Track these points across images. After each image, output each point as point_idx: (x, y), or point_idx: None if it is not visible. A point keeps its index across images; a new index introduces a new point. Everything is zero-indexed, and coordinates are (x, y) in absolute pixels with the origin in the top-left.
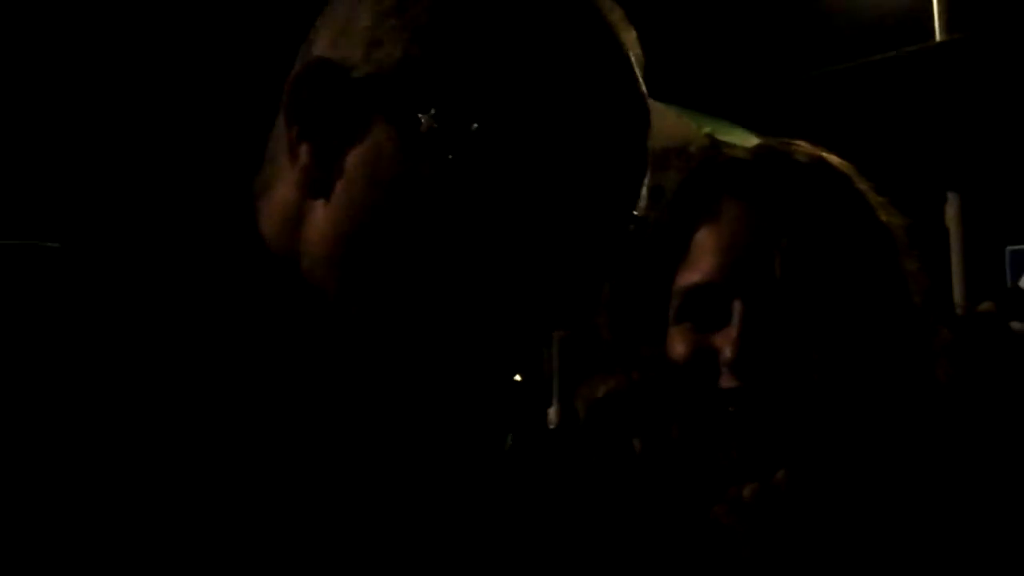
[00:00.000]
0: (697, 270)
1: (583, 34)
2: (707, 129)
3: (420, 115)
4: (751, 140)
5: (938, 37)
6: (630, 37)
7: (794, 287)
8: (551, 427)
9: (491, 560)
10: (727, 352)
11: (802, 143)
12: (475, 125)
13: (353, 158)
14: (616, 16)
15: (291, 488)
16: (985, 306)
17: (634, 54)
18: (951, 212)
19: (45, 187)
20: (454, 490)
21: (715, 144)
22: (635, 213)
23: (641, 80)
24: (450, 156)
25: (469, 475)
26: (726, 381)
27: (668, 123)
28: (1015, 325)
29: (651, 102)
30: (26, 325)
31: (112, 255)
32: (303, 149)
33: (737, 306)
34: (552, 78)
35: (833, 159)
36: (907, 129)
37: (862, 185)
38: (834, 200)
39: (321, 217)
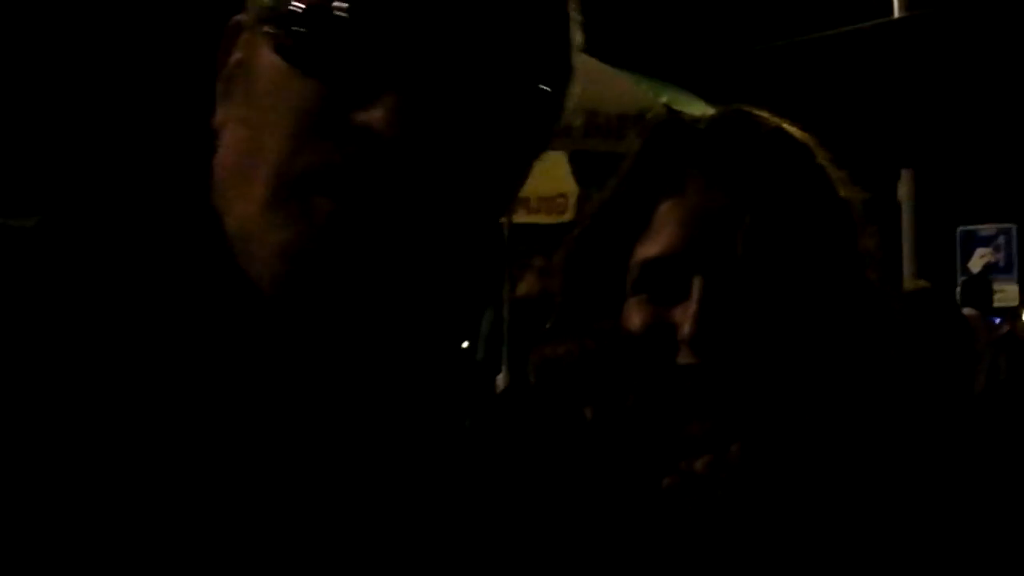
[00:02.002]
0: (657, 243)
1: None
2: (664, 98)
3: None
4: (708, 111)
5: (897, 13)
6: None
7: (755, 264)
8: (498, 393)
9: (446, 536)
10: (686, 328)
11: (763, 113)
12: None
13: (237, 85)
14: None
15: (245, 465)
16: (920, 284)
17: None
18: (903, 189)
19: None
20: (410, 465)
21: (672, 113)
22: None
23: None
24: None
25: (424, 448)
26: (684, 357)
27: (624, 90)
28: (967, 311)
29: (608, 68)
30: None
31: (66, 234)
32: (217, 93)
33: (697, 282)
34: None
35: (794, 131)
36: (863, 104)
37: (822, 158)
38: (795, 173)
39: (220, 157)
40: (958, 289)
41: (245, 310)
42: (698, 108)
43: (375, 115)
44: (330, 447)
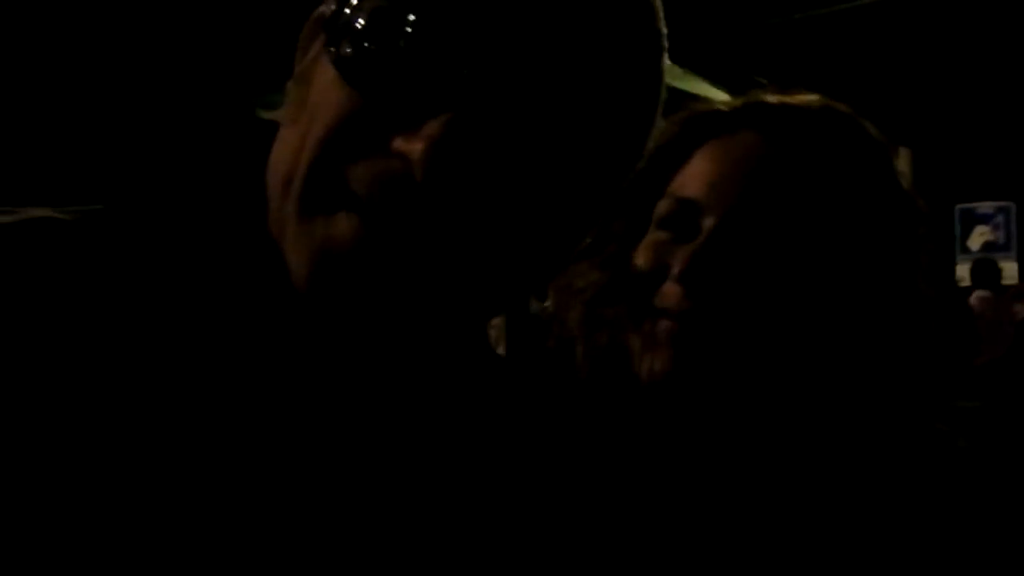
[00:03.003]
0: (687, 183)
1: None
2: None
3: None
4: (709, 89)
5: None
6: None
7: (781, 225)
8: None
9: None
10: (678, 265)
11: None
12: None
13: (300, 85)
14: None
15: (265, 459)
16: None
17: None
18: (901, 167)
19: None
20: (426, 459)
21: (670, 91)
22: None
23: None
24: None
25: (441, 441)
26: (669, 292)
27: None
28: (978, 293)
29: None
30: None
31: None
32: (287, 90)
33: (707, 223)
34: None
35: (872, 129)
36: (860, 82)
37: (896, 164)
38: (861, 160)
39: (272, 155)
40: (957, 267)
41: (280, 304)
42: (699, 86)
43: (415, 146)
44: (348, 440)
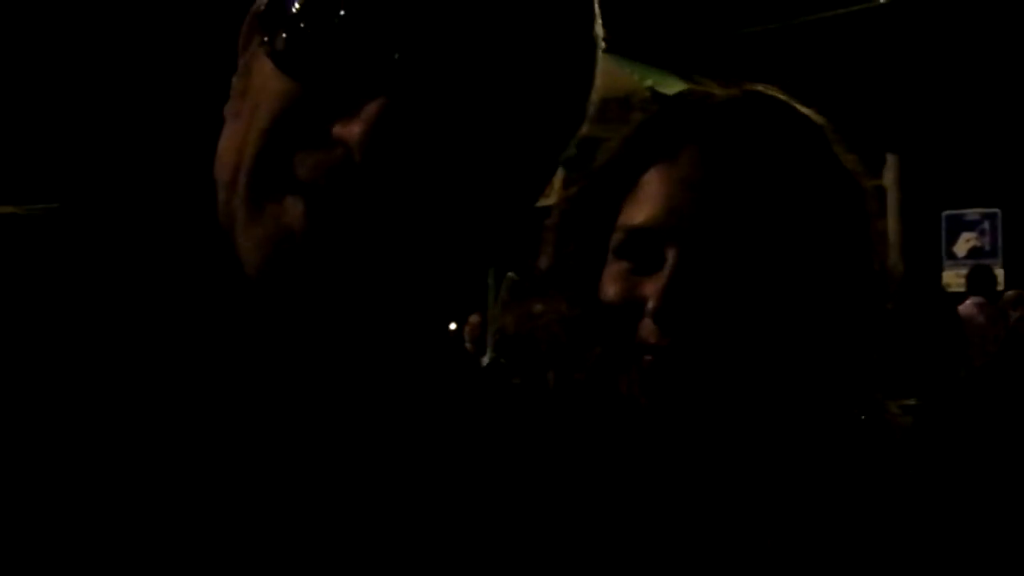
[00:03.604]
0: (640, 211)
1: None
2: (649, 81)
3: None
4: None
5: None
6: None
7: (739, 242)
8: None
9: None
10: (651, 301)
11: (779, 94)
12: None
13: (241, 86)
14: None
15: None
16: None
17: None
18: (889, 174)
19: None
20: (399, 451)
21: (656, 95)
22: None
23: None
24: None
25: (413, 435)
26: (647, 331)
27: (609, 73)
28: (974, 300)
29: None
30: None
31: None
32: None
33: (671, 254)
34: None
35: (808, 112)
36: (848, 89)
37: (836, 143)
38: (799, 155)
39: (218, 149)
40: (944, 273)
41: (233, 295)
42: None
43: (353, 130)
44: (309, 436)
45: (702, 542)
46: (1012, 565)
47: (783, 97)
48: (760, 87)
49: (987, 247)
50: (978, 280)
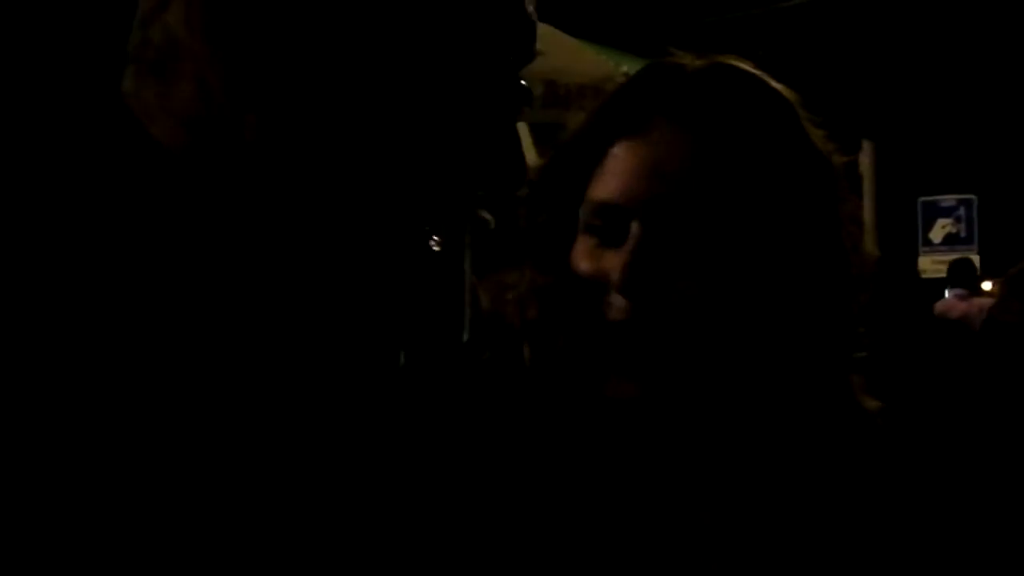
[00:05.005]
0: (606, 185)
1: None
2: (624, 68)
3: None
4: None
5: None
6: None
7: (704, 215)
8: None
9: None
10: (614, 274)
11: (748, 66)
12: None
13: None
14: None
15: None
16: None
17: None
18: (865, 160)
19: None
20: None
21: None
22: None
23: None
24: None
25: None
26: (612, 303)
27: (585, 60)
28: (955, 292)
29: (569, 38)
30: None
31: None
32: None
33: (635, 227)
34: None
35: (778, 86)
36: (824, 75)
37: (804, 117)
38: (768, 128)
39: None
40: (919, 259)
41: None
42: None
43: None
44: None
45: (671, 521)
46: (992, 555)
47: (755, 71)
48: (733, 60)
49: (963, 233)
50: (959, 272)
